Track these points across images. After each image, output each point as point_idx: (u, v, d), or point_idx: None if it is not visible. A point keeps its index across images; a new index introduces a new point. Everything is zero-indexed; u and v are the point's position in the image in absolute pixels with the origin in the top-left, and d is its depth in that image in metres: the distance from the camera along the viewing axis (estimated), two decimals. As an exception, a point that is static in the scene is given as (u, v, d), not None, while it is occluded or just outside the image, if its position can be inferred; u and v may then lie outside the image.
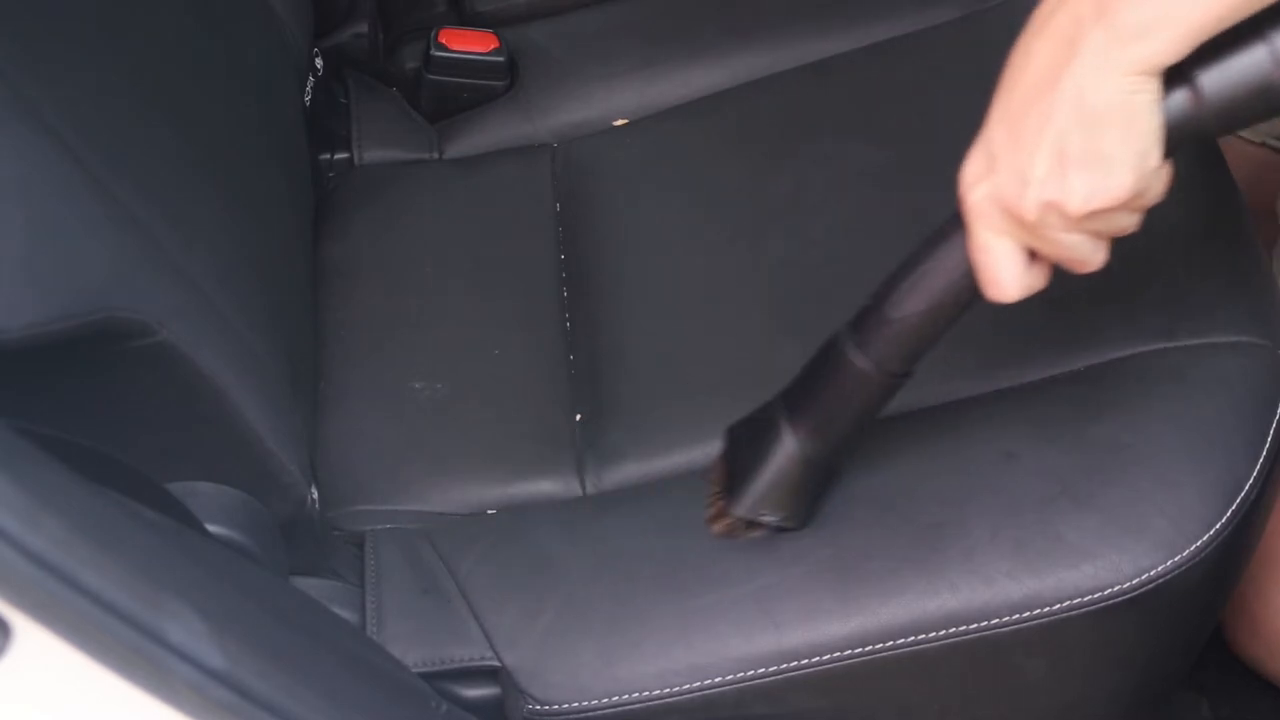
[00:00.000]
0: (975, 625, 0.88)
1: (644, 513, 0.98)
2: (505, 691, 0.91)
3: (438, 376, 1.08)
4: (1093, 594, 0.87)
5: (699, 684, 0.89)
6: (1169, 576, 0.87)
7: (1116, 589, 0.87)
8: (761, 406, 0.91)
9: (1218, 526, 0.88)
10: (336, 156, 1.26)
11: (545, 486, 1.03)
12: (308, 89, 1.23)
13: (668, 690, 0.89)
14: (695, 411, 1.03)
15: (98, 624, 0.61)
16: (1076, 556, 0.88)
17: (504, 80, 1.28)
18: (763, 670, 0.89)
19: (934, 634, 0.88)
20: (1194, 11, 0.69)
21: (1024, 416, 0.94)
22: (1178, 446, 0.91)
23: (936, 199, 1.07)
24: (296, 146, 1.17)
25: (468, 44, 1.28)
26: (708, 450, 0.96)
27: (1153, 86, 0.71)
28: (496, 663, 0.90)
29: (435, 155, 1.27)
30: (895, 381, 0.85)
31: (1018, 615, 0.88)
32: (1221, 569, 0.92)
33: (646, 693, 0.89)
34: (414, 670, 0.90)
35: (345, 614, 0.93)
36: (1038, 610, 0.88)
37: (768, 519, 0.90)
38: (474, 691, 0.92)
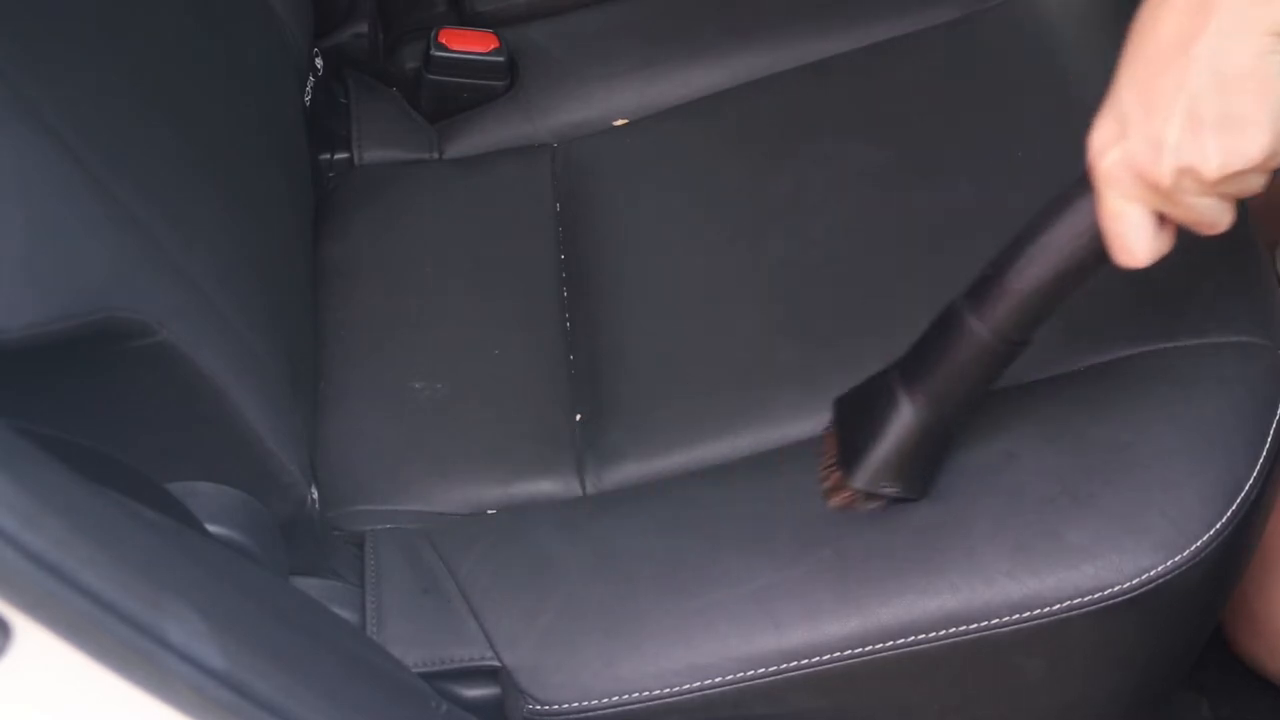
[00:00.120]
0: (975, 625, 0.88)
1: (644, 513, 0.98)
2: (505, 691, 0.91)
3: (438, 376, 1.08)
4: (1093, 594, 0.87)
5: (699, 684, 0.89)
6: (1169, 576, 0.87)
7: (1117, 589, 0.87)
8: (872, 377, 0.90)
9: (1218, 526, 0.88)
10: (336, 156, 1.26)
11: (545, 486, 1.03)
12: (308, 89, 1.23)
13: (668, 690, 0.89)
14: (695, 411, 1.03)
15: (98, 624, 0.61)
16: (1076, 556, 0.88)
17: (504, 80, 1.28)
18: (763, 670, 0.89)
19: (934, 634, 0.88)
20: None
21: (1024, 416, 0.94)
22: (1178, 446, 0.91)
23: (936, 199, 1.07)
24: (296, 146, 1.17)
25: (468, 44, 1.28)
26: (708, 450, 0.96)
27: None
28: (496, 663, 0.90)
29: (435, 155, 1.27)
30: (1014, 350, 0.84)
31: (1018, 615, 0.88)
32: (1221, 569, 0.92)
33: (646, 692, 0.89)
34: (414, 670, 0.90)
35: (345, 614, 0.93)
36: (1038, 610, 0.88)
37: (888, 490, 0.89)
38: (474, 691, 0.92)
